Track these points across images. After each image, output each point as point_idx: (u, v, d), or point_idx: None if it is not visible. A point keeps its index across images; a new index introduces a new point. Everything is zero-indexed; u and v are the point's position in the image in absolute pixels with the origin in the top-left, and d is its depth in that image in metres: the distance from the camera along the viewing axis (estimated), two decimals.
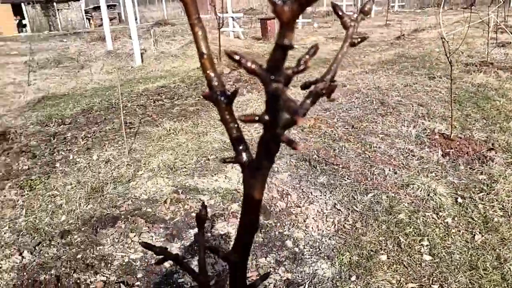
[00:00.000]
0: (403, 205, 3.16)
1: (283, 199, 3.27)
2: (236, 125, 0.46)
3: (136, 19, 22.77)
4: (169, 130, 5.06)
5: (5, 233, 3.09)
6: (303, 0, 0.29)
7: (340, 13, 0.48)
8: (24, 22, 22.62)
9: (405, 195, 3.29)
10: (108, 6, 19.66)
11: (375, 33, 13.63)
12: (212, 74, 0.46)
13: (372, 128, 4.74)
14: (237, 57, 0.35)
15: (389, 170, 3.70)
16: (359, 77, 7.33)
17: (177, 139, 4.79)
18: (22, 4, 22.22)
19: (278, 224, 2.97)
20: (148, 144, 4.70)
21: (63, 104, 6.52)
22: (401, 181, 3.50)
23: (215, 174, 3.79)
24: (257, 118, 0.38)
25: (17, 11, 22.37)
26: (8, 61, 11.20)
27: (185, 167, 4.00)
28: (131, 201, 3.43)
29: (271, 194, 3.36)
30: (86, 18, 24.30)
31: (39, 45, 14.70)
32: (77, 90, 7.49)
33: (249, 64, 0.35)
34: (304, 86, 0.47)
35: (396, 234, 2.83)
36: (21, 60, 10.95)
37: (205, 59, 0.46)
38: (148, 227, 3.02)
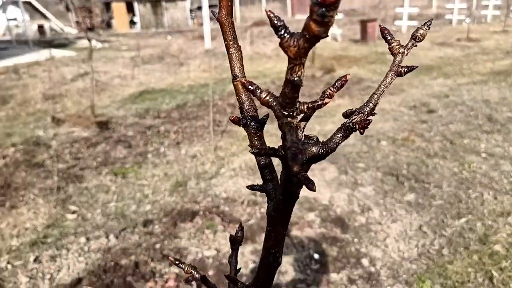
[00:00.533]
0: (501, 235, 2.79)
1: (364, 214, 3.09)
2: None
3: (236, 19, 23.53)
4: None
5: (97, 215, 3.34)
6: (311, 36, 0.23)
7: (388, 38, 0.41)
8: (135, 19, 24.65)
9: (504, 224, 2.91)
10: (211, 6, 20.57)
11: (490, 39, 12.43)
12: (244, 98, 0.41)
13: (474, 145, 4.29)
14: (251, 87, 0.31)
15: (489, 194, 3.31)
16: (465, 88, 6.72)
17: None
18: (135, 3, 24.22)
19: (355, 239, 2.81)
20: (233, 143, 4.78)
21: (160, 98, 6.93)
22: (502, 208, 3.10)
23: None
24: (272, 151, 0.33)
25: (130, 8, 24.47)
26: (118, 55, 12.26)
27: None
28: (211, 198, 3.51)
29: (351, 207, 3.20)
30: (190, 17, 25.72)
31: (146, 41, 15.89)
32: (174, 86, 7.93)
33: (263, 95, 0.31)
34: (346, 115, 0.41)
35: (489, 267, 2.51)
36: (130, 55, 11.91)
37: (237, 82, 0.41)
38: (224, 225, 3.05)
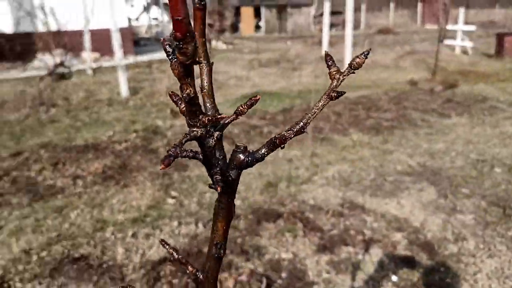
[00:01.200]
0: None
1: (457, 243, 2.84)
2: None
3: (358, 26, 22.99)
4: (355, 141, 4.99)
5: (193, 203, 3.63)
6: (184, 60, 0.28)
7: (330, 63, 0.42)
8: (260, 24, 25.71)
9: None
10: (335, 13, 20.46)
11: None
12: (208, 106, 0.47)
13: None
14: (174, 98, 0.37)
15: None
16: None
17: (361, 152, 4.69)
18: (263, 8, 25.26)
19: (442, 268, 2.60)
20: (331, 152, 4.75)
21: (269, 101, 7.17)
22: None
23: (387, 197, 3.57)
24: (192, 154, 0.40)
25: (257, 13, 25.60)
26: (239, 57, 12.97)
27: (359, 183, 3.89)
28: (298, 203, 3.55)
29: (444, 233, 2.96)
30: (313, 23, 25.93)
31: (267, 45, 16.49)
32: (284, 90, 8.12)
33: (181, 106, 0.36)
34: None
35: None
36: (250, 58, 12.52)
37: (203, 94, 0.46)
38: (304, 232, 3.07)
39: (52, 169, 4.39)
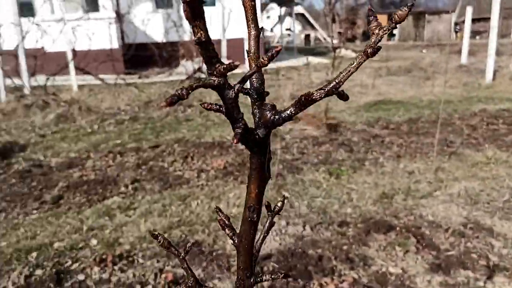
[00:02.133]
0: None
1: None
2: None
3: (509, 35, 20.47)
4: (490, 158, 4.46)
5: (303, 206, 3.66)
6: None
7: (370, 18, 0.41)
8: (394, 31, 24.61)
9: None
10: (480, 19, 18.59)
11: None
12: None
13: None
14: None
15: None
16: None
17: (496, 170, 4.18)
18: None
19: None
20: (459, 168, 4.33)
21: (394, 110, 6.83)
22: None
23: None
24: (218, 107, 0.41)
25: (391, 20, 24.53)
26: (366, 65, 12.60)
27: (488, 203, 3.47)
28: (414, 217, 3.32)
29: None
30: (454, 30, 23.88)
31: (399, 53, 15.71)
32: (412, 99, 7.65)
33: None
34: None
35: None
36: (378, 66, 12.09)
37: (249, 57, 0.47)
38: (417, 248, 2.86)
39: (182, 161, 4.85)
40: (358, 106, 7.32)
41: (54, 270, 2.65)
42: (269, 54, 0.38)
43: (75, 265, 2.75)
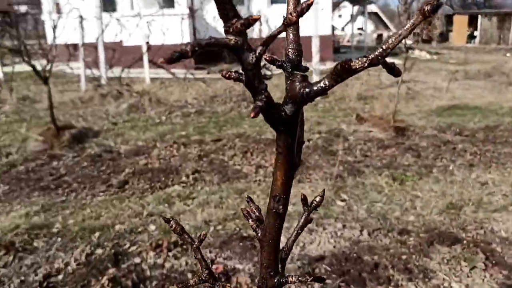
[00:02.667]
0: None
1: None
2: None
3: None
4: None
5: (362, 210, 3.51)
6: None
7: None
8: (475, 33, 22.99)
9: None
10: None
11: None
12: (291, 38, 0.42)
13: None
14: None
15: None
16: None
17: None
18: (479, 16, 22.53)
19: None
20: None
21: (469, 116, 6.36)
22: None
23: None
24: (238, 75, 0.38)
25: (471, 22, 22.96)
26: (442, 68, 11.90)
27: None
28: (484, 231, 3.05)
29: None
30: None
31: (479, 56, 14.64)
32: (491, 106, 7.08)
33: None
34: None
35: None
36: (454, 69, 11.35)
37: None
38: (486, 265, 2.62)
39: (242, 156, 4.88)
40: (429, 110, 6.91)
41: (113, 251, 2.77)
42: (299, 8, 0.33)
43: (133, 248, 2.86)
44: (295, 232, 0.59)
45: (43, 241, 2.98)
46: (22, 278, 2.54)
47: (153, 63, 10.31)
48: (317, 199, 0.60)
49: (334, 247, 2.91)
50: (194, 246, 0.53)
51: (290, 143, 0.42)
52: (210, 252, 2.80)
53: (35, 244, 2.95)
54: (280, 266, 0.54)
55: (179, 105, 7.59)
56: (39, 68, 5.24)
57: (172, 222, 0.54)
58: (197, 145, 5.27)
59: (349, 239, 3.01)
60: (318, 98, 5.62)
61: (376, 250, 2.87)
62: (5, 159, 4.82)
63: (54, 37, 5.68)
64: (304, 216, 0.59)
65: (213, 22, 12.32)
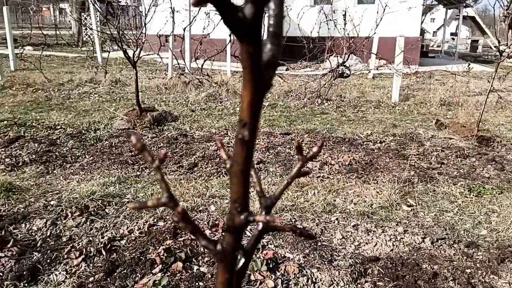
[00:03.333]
0: None
1: None
2: None
3: None
4: None
5: (428, 217, 3.32)
6: None
7: None
8: None
9: None
10: None
11: None
12: None
13: None
14: None
15: None
16: None
17: None
18: None
19: None
20: None
21: None
22: None
23: None
24: None
25: None
26: None
27: None
28: None
29: None
30: None
31: None
32: None
33: None
34: None
35: None
36: None
37: None
38: None
39: (308, 151, 4.85)
40: None
41: (173, 224, 2.92)
42: None
43: None
44: (286, 181, 0.59)
45: (114, 208, 3.23)
46: (90, 238, 2.79)
47: (235, 57, 10.60)
48: (314, 149, 0.59)
49: (392, 250, 2.79)
50: (154, 166, 0.53)
51: (254, 55, 0.38)
52: (263, 238, 2.84)
53: (106, 210, 3.21)
54: (264, 212, 0.54)
55: None
56: (130, 54, 5.66)
57: (133, 137, 0.55)
58: (265, 137, 5.34)
59: (409, 244, 2.87)
60: (397, 101, 5.41)
61: (437, 260, 2.70)
62: (93, 133, 5.29)
63: (145, 27, 6.09)
64: (298, 166, 0.59)
65: (296, 19, 12.34)
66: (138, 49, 5.72)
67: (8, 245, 2.68)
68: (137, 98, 5.79)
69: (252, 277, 2.44)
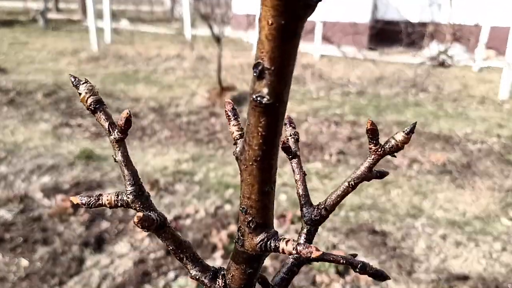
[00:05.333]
0: None
1: None
2: None
3: None
4: None
5: None
6: None
7: None
8: None
9: None
10: None
11: None
12: None
13: None
14: None
15: None
16: None
17: None
18: None
19: None
20: None
21: None
22: None
23: None
24: None
25: None
26: None
27: None
28: None
29: None
30: None
31: None
32: None
33: None
34: None
35: None
36: None
37: None
38: None
39: None
40: None
41: (236, 209, 2.78)
42: None
43: None
44: (346, 183, 0.37)
45: (184, 186, 3.19)
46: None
47: (326, 40, 10.18)
48: (398, 137, 0.36)
49: (485, 269, 2.37)
50: (114, 136, 0.34)
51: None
52: (334, 236, 2.59)
53: (176, 187, 3.17)
54: (305, 231, 0.33)
55: (341, 83, 7.31)
56: (217, 32, 5.61)
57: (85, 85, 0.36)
58: (349, 126, 4.98)
59: (507, 265, 2.42)
60: (506, 98, 4.70)
61: None
62: (174, 109, 5.37)
63: (231, 6, 5.99)
64: (369, 161, 0.36)
65: (395, 1, 11.46)
66: (224, 27, 5.64)
67: (81, 211, 2.75)
68: (218, 75, 5.75)
69: (318, 278, 2.22)
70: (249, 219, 0.31)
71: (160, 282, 2.16)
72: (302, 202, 0.43)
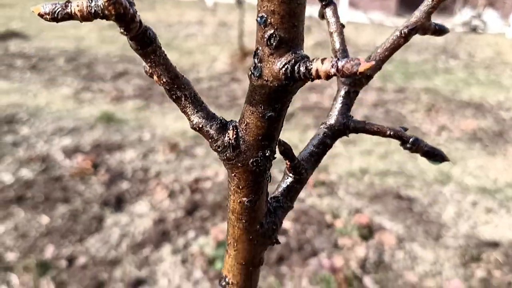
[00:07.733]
0: None
1: None
2: None
3: None
4: None
5: None
6: None
7: None
8: None
9: None
10: None
11: None
12: None
13: None
14: None
15: None
16: None
17: None
18: None
19: None
20: None
21: None
22: None
23: None
24: None
25: None
26: None
27: None
28: None
29: None
30: None
31: None
32: None
33: None
34: None
35: None
36: None
37: None
38: None
39: (424, 113, 4.25)
40: None
41: None
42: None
43: (279, 175, 2.76)
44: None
45: (204, 150, 3.14)
46: (177, 176, 2.72)
47: (352, 5, 9.81)
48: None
49: None
50: None
51: None
52: (358, 200, 2.51)
53: (197, 150, 3.13)
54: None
55: (367, 49, 7.05)
56: None
57: None
58: (374, 93, 4.81)
59: None
60: None
61: None
62: (195, 74, 5.28)
63: None
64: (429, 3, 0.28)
65: None
66: None
67: (101, 172, 2.75)
68: (240, 41, 5.61)
69: (340, 242, 2.16)
70: (270, 32, 0.23)
71: (180, 241, 2.14)
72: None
